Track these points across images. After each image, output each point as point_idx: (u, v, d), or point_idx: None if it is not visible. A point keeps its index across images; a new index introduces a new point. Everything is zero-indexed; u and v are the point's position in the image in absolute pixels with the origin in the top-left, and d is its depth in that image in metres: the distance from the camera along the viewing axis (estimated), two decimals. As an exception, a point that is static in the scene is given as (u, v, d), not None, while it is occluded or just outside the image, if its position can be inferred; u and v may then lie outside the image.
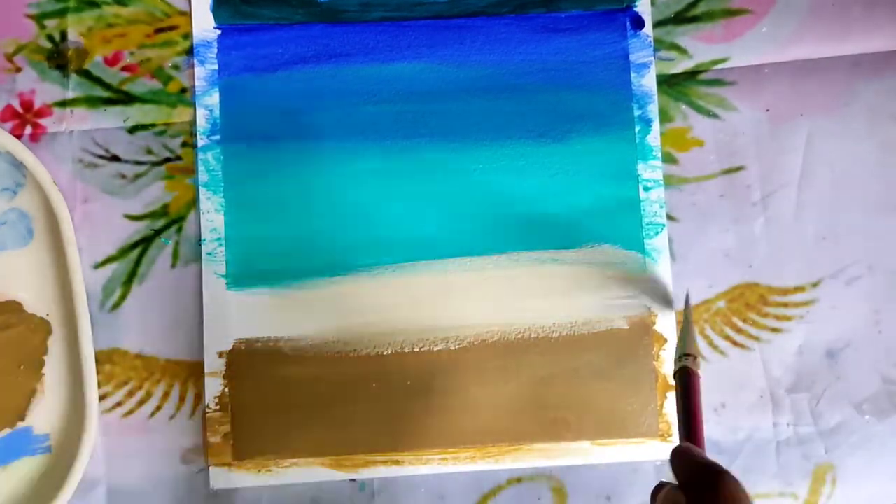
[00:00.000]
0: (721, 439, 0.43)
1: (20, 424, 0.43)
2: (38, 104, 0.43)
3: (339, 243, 0.43)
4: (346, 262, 0.43)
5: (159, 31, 0.44)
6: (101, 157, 0.43)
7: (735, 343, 0.43)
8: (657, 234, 0.43)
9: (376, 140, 0.44)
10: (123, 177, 0.43)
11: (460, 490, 0.43)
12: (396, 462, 0.43)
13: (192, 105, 0.44)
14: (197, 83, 0.44)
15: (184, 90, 0.44)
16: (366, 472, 0.43)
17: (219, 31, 0.44)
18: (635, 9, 0.44)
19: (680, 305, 0.43)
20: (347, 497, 0.43)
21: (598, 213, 0.44)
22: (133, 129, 0.44)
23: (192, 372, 0.43)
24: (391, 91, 0.44)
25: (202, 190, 0.43)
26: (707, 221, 0.44)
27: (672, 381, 0.43)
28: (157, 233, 0.43)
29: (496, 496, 0.43)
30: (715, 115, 0.44)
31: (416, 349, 0.43)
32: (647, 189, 0.44)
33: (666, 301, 0.43)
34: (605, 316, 0.43)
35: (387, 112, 0.44)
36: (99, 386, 0.42)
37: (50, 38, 0.44)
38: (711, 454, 0.43)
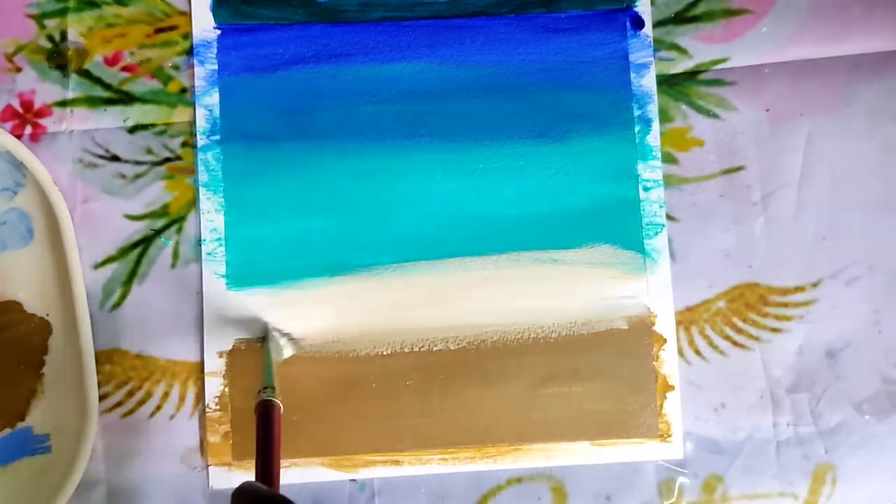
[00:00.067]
0: (721, 439, 0.43)
1: (20, 424, 0.43)
2: (38, 104, 0.44)
3: (339, 243, 0.43)
4: (345, 261, 0.43)
5: (159, 31, 0.44)
6: (101, 157, 0.43)
7: (735, 343, 0.43)
8: (657, 234, 0.43)
9: (376, 140, 0.44)
10: (123, 177, 0.43)
11: (460, 490, 0.43)
12: (396, 462, 0.43)
13: (192, 105, 0.44)
14: (197, 83, 0.44)
15: (184, 90, 0.44)
16: (366, 472, 0.43)
17: (219, 31, 0.44)
18: (635, 9, 0.44)
19: (680, 306, 0.43)
20: (347, 497, 0.43)
21: (598, 213, 0.44)
22: (133, 129, 0.44)
23: (192, 372, 0.43)
24: (391, 91, 0.44)
25: (202, 190, 0.43)
26: (707, 221, 0.44)
27: (671, 382, 0.43)
28: (157, 233, 0.43)
29: (496, 496, 0.43)
30: (715, 115, 0.44)
31: (416, 349, 0.43)
32: (646, 189, 0.44)
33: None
34: (605, 316, 0.43)
35: (387, 112, 0.44)
36: (99, 386, 0.42)
37: (50, 38, 0.44)
38: (711, 454, 0.43)
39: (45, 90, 0.44)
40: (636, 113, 0.44)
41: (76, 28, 0.44)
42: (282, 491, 0.42)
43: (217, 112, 0.44)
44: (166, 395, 0.43)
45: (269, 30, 0.44)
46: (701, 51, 0.44)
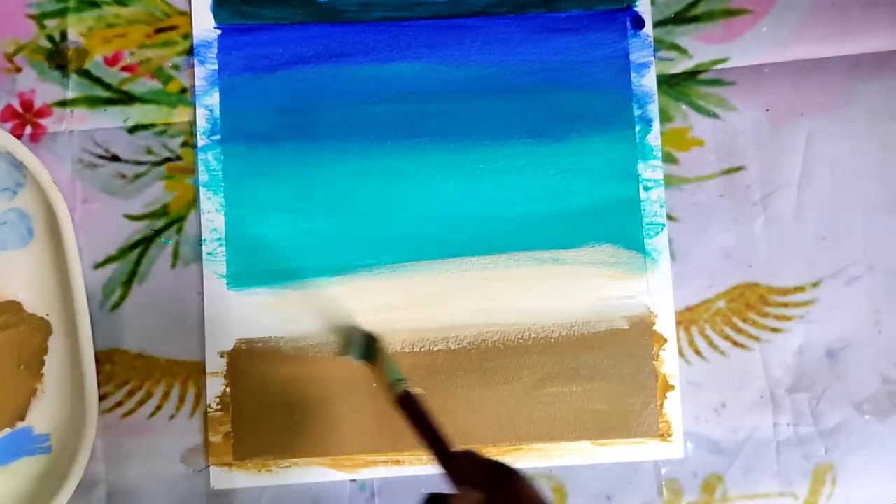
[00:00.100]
0: (721, 439, 0.43)
1: (20, 424, 0.43)
2: (38, 104, 0.43)
3: (339, 243, 0.43)
4: (345, 261, 0.43)
5: (159, 31, 0.44)
6: (101, 157, 0.43)
7: (735, 343, 0.43)
8: (657, 233, 0.43)
9: (376, 140, 0.44)
10: (123, 177, 0.43)
11: (460, 490, 0.43)
12: (396, 462, 0.43)
13: (192, 105, 0.44)
14: (197, 83, 0.44)
15: (184, 90, 0.44)
16: (366, 472, 0.43)
17: (219, 31, 0.44)
18: (635, 9, 0.44)
19: (680, 306, 0.43)
20: (347, 497, 0.43)
21: (599, 213, 0.44)
22: (133, 129, 0.44)
23: (193, 372, 0.43)
24: (391, 91, 0.44)
25: (202, 190, 0.43)
26: (707, 221, 0.44)
27: (671, 382, 0.43)
28: (157, 233, 0.43)
29: (496, 496, 0.43)
30: (715, 115, 0.44)
31: (416, 349, 0.43)
32: (647, 189, 0.44)
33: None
34: (605, 316, 0.43)
35: (387, 112, 0.44)
36: (99, 386, 0.42)
37: (50, 38, 0.44)
38: (711, 454, 0.43)
39: (45, 90, 0.44)
40: (636, 113, 0.44)
41: (76, 28, 0.44)
42: (282, 490, 0.43)
43: (217, 112, 0.44)
44: (166, 395, 0.43)
45: (270, 30, 0.44)
46: (701, 51, 0.44)
